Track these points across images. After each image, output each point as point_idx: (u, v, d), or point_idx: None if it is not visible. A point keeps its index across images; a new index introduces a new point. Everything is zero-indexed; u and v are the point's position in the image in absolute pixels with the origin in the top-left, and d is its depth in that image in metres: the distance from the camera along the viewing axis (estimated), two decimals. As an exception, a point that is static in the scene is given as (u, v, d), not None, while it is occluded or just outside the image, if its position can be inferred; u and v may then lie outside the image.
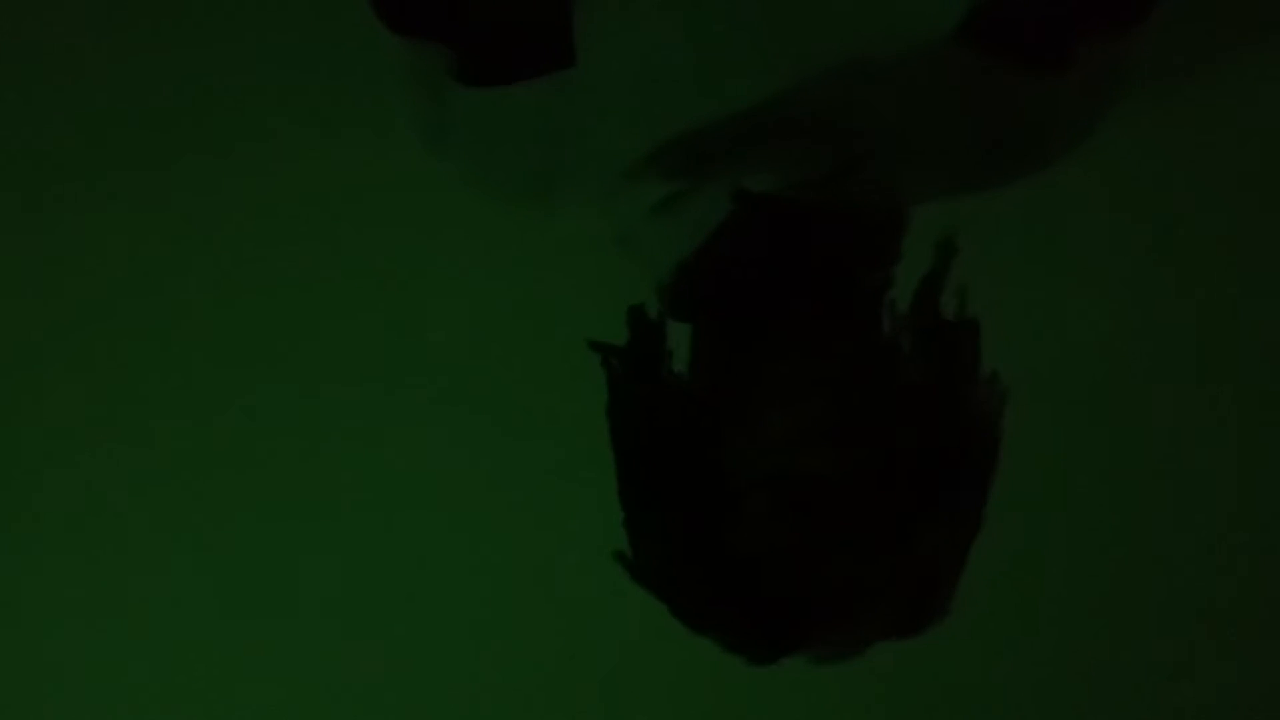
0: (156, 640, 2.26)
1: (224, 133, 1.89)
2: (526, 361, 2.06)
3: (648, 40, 1.15)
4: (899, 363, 1.13)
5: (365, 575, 2.23)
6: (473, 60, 1.16)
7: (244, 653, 2.28)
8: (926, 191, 1.22)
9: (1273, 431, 2.15)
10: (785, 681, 2.07)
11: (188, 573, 2.21)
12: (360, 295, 2.02)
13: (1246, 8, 1.79)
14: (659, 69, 1.15)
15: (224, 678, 2.30)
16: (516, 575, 2.22)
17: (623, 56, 1.16)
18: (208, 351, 2.05)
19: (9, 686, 2.29)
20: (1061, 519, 2.20)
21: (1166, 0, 1.19)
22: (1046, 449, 2.14)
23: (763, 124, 1.17)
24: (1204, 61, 1.82)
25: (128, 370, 2.06)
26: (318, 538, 2.20)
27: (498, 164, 1.22)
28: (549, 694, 2.32)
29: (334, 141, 1.90)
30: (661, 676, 2.23)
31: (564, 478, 2.13)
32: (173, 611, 2.24)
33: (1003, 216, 1.92)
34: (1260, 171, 1.94)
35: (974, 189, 1.25)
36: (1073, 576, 2.25)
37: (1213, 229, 1.98)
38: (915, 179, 1.21)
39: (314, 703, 2.33)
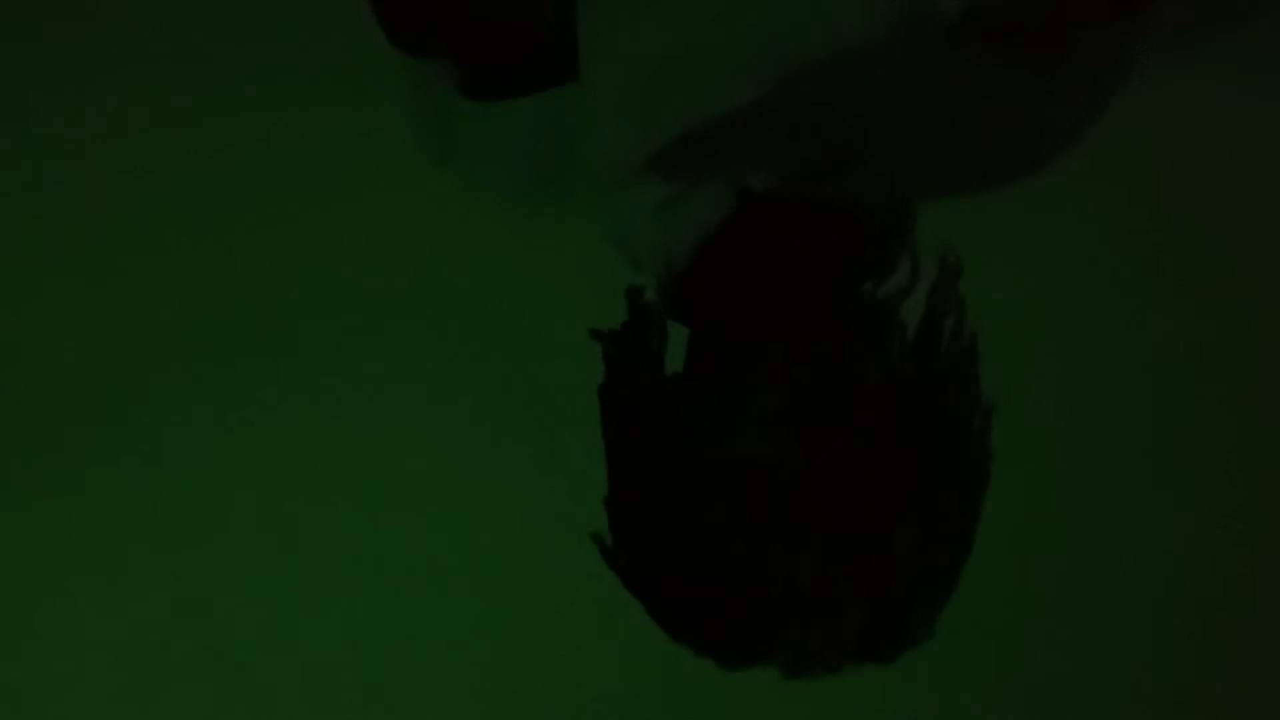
0: (153, 640, 2.26)
1: (224, 137, 1.90)
2: (529, 363, 2.06)
3: (646, 42, 1.15)
4: (890, 367, 1.12)
5: (366, 575, 2.23)
6: (477, 75, 1.17)
7: (240, 652, 2.28)
8: (923, 192, 1.22)
9: (1273, 431, 2.15)
10: (781, 686, 2.07)
11: (185, 571, 2.21)
12: (359, 297, 2.02)
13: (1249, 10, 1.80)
14: (658, 70, 1.16)
15: (219, 676, 2.29)
16: (519, 576, 2.22)
17: (621, 60, 1.16)
18: (205, 352, 2.05)
19: (9, 688, 2.29)
20: (1060, 521, 2.20)
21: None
22: (1044, 450, 2.14)
23: (760, 121, 1.17)
24: (1203, 53, 1.82)
25: (126, 371, 2.06)
26: (319, 538, 2.19)
27: (501, 173, 1.23)
28: (548, 693, 2.31)
29: (332, 144, 1.90)
30: (660, 676, 2.23)
31: (566, 477, 2.13)
32: (169, 609, 2.24)
33: (1001, 214, 1.92)
34: (1260, 166, 1.94)
35: (969, 191, 1.25)
36: (1071, 578, 2.25)
37: (1213, 226, 1.99)
38: (912, 179, 1.21)
39: (312, 701, 2.32)
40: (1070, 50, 1.16)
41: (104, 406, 2.09)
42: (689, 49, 1.15)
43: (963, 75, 1.16)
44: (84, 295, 2.02)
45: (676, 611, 1.12)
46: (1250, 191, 1.97)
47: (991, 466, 1.12)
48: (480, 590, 2.24)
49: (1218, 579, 2.26)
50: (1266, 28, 1.83)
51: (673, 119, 1.18)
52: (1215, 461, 2.17)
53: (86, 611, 2.24)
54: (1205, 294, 2.04)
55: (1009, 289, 2.00)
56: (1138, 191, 1.97)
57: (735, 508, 1.09)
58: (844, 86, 1.16)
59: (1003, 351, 2.01)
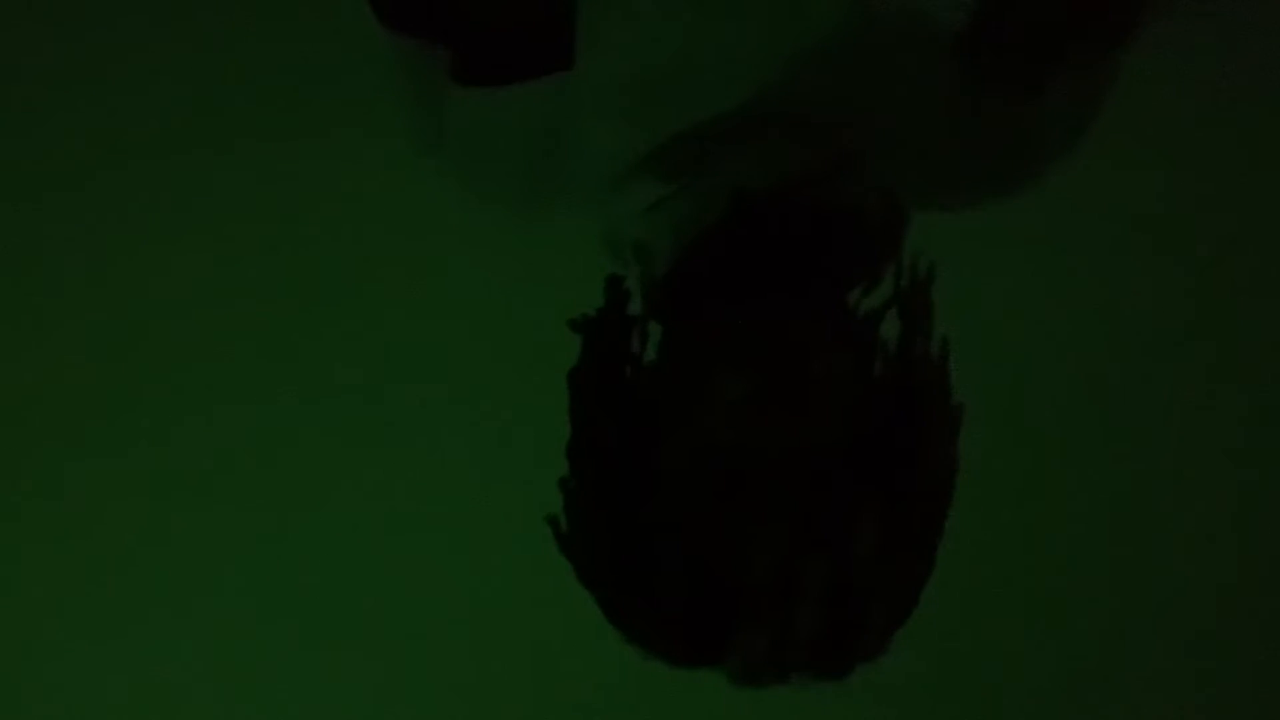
0: (149, 640, 2.26)
1: (223, 134, 1.90)
2: (527, 364, 2.06)
3: (643, 40, 1.15)
4: (864, 368, 1.11)
5: (364, 575, 2.23)
6: (471, 60, 1.16)
7: (237, 650, 2.28)
8: (921, 200, 1.22)
9: (1273, 432, 2.14)
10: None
11: (181, 570, 2.21)
12: (357, 297, 2.02)
13: (1245, 9, 1.79)
14: (654, 68, 1.16)
15: (216, 676, 2.30)
16: (518, 578, 2.22)
17: (618, 57, 1.16)
18: (202, 353, 2.06)
19: (7, 688, 2.29)
20: (1059, 521, 2.20)
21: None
22: (1044, 450, 2.14)
23: (756, 122, 1.16)
24: (1205, 61, 1.82)
25: (125, 372, 2.07)
26: (315, 533, 2.20)
27: (494, 167, 1.22)
28: (546, 694, 2.32)
29: (331, 144, 1.90)
30: (655, 677, 2.22)
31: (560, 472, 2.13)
32: (165, 608, 2.24)
33: (1000, 217, 1.92)
34: (1261, 170, 1.94)
35: (968, 201, 1.24)
36: (1069, 578, 2.24)
37: (1214, 228, 1.98)
38: (910, 187, 1.20)
39: (308, 699, 2.33)
40: (1067, 64, 1.16)
41: (101, 408, 2.09)
42: (686, 48, 1.15)
43: (961, 85, 1.16)
44: (83, 295, 2.02)
45: (630, 603, 1.10)
46: (1246, 189, 1.97)
47: (957, 480, 1.11)
48: (476, 587, 2.24)
49: (1217, 582, 2.26)
50: (1262, 27, 1.82)
51: (668, 117, 1.17)
52: (1214, 462, 2.17)
53: (86, 610, 2.24)
54: (1205, 293, 2.04)
55: (1007, 289, 2.00)
56: (1136, 189, 1.96)
57: (698, 496, 1.07)
58: (842, 91, 1.15)
59: (1001, 352, 2.01)
